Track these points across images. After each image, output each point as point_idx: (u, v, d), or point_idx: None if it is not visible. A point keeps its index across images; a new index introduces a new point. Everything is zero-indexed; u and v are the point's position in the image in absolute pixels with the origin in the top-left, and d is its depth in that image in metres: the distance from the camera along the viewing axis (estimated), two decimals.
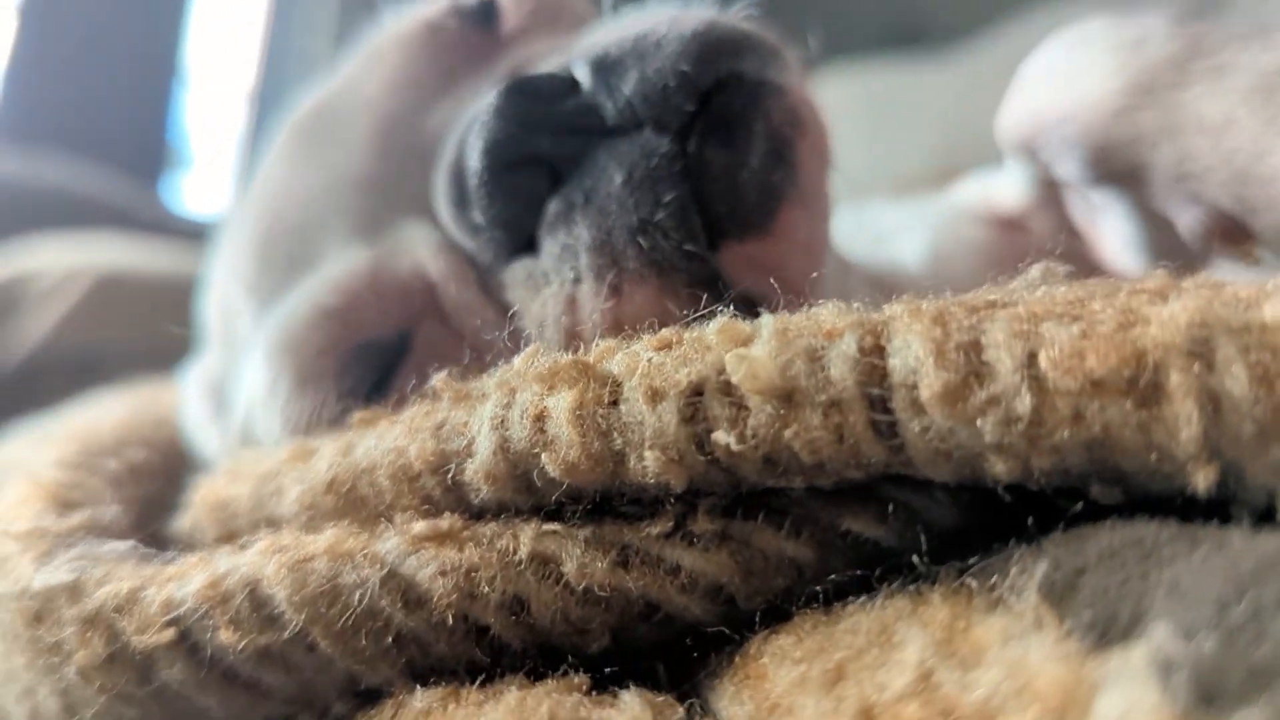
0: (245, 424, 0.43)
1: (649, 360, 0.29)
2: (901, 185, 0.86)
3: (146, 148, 1.97)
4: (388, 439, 0.34)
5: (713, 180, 0.36)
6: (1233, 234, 0.40)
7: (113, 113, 1.90)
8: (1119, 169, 0.43)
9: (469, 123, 0.40)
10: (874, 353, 0.26)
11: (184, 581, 0.32)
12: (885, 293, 0.54)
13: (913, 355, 0.25)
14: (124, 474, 0.46)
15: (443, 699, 0.29)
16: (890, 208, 0.69)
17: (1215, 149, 0.39)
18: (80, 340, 1.55)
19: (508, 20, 0.47)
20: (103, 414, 0.53)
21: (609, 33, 0.41)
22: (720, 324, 0.30)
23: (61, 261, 1.58)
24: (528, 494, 0.31)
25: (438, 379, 0.34)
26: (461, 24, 0.47)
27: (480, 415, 0.32)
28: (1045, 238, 0.54)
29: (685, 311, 0.34)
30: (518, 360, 0.33)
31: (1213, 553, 0.22)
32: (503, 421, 0.31)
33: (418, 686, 0.30)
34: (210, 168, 2.16)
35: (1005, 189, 0.60)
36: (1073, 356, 0.24)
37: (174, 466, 0.49)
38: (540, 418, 0.30)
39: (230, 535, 0.38)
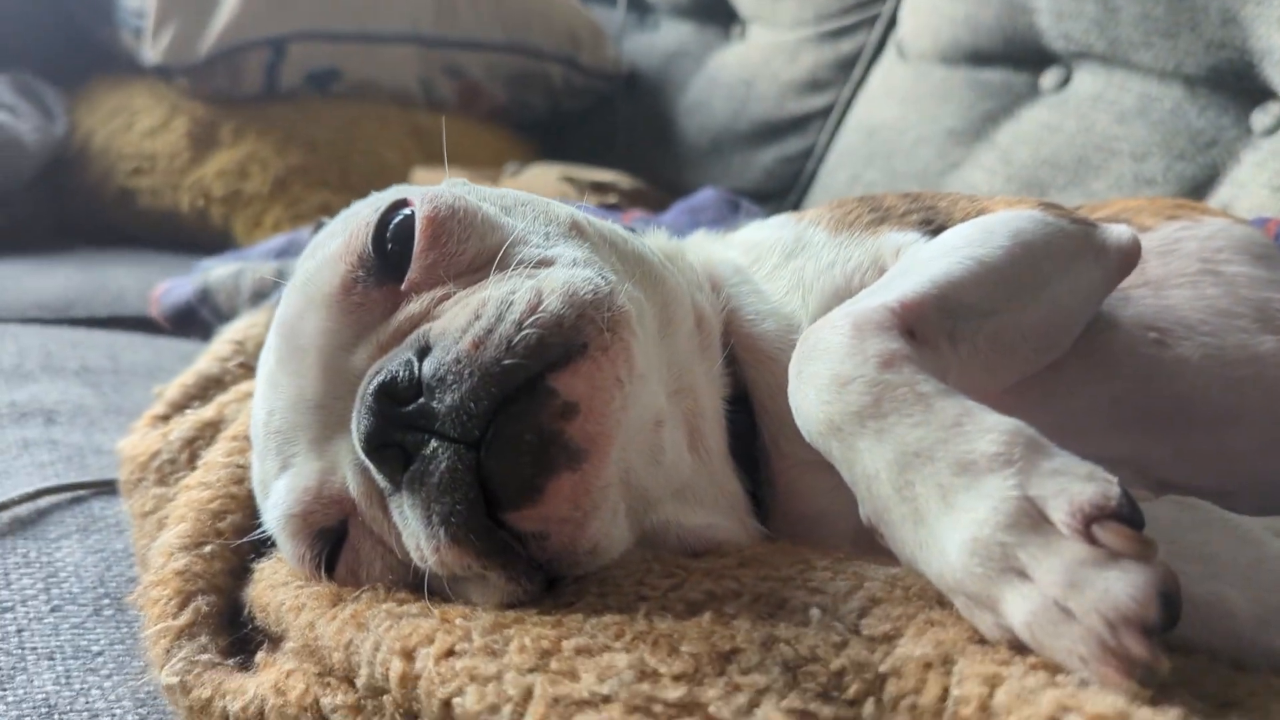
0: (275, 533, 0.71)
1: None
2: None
3: None
4: (329, 632, 0.61)
5: (495, 474, 0.57)
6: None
7: None
8: (828, 461, 0.59)
9: (360, 398, 0.61)
10: None
11: (236, 696, 0.62)
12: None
13: None
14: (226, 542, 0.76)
15: None
16: (825, 250, 0.80)
17: (866, 492, 0.55)
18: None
19: (410, 273, 0.67)
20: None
21: (451, 329, 0.60)
22: None
23: None
24: None
25: (350, 607, 0.60)
26: (367, 278, 0.68)
27: (363, 648, 0.58)
28: None
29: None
30: (380, 625, 0.58)
31: None
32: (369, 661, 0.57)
33: None
34: None
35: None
36: None
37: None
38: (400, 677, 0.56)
39: (270, 633, 0.68)
